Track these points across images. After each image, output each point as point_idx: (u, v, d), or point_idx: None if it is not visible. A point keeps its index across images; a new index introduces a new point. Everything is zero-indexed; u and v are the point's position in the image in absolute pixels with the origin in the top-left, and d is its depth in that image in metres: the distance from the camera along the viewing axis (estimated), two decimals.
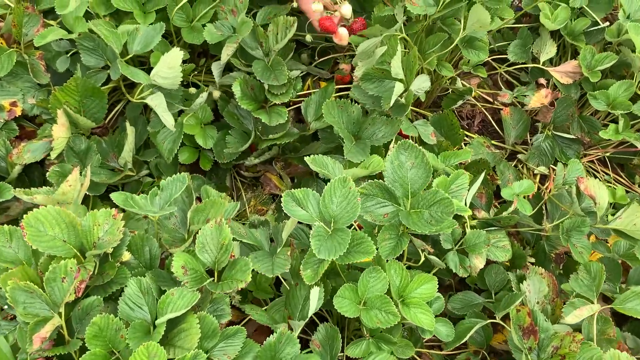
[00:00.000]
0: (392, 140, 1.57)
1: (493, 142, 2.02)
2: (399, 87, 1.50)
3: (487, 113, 2.11)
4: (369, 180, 1.30)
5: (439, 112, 1.84)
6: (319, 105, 1.71)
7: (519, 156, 2.02)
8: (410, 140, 1.32)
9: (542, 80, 1.99)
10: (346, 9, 1.58)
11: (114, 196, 1.25)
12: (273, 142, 1.68)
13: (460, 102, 1.99)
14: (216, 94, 1.79)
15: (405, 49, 1.72)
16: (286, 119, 1.64)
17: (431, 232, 1.22)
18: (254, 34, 1.70)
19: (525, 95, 1.93)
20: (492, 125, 2.11)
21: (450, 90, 2.06)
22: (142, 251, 1.29)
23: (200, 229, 1.20)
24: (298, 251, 1.37)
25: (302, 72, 1.79)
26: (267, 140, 1.68)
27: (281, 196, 1.22)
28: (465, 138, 1.97)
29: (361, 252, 1.19)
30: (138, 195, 1.29)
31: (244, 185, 1.92)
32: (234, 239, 1.22)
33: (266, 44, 1.71)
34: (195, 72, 1.85)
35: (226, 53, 1.62)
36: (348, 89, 1.87)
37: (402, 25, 1.56)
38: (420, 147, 1.30)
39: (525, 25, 2.08)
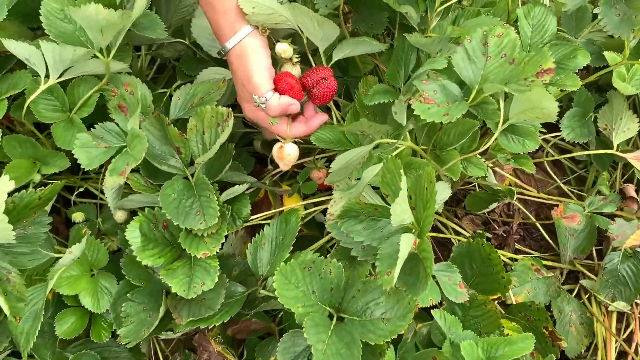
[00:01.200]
0: (402, 325, 0.91)
1: (544, 260, 1.36)
2: (406, 242, 0.83)
3: (527, 212, 1.45)
4: None
5: (467, 239, 1.17)
6: (275, 249, 1.04)
7: (583, 282, 1.35)
8: None
9: (631, 190, 1.32)
10: (290, 149, 1.03)
11: None
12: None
13: (494, 206, 1.34)
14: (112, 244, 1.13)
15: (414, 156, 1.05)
16: (216, 279, 0.97)
17: None
18: (164, 136, 1.03)
19: (603, 214, 1.26)
20: (537, 228, 1.45)
21: (476, 186, 1.40)
22: None
23: None
24: None
25: (250, 188, 1.12)
26: None
27: None
28: (505, 258, 1.31)
29: None
30: None
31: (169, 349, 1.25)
32: None
33: (186, 151, 1.04)
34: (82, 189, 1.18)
35: (115, 181, 0.95)
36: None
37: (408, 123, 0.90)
38: None
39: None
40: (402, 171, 0.81)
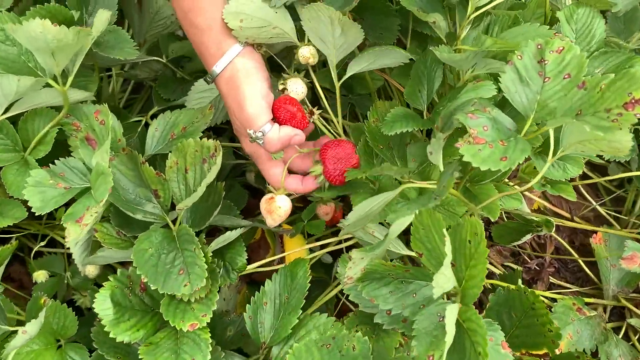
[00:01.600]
0: None
1: (585, 297, 1.18)
2: (452, 316, 0.65)
3: (561, 239, 1.27)
4: None
5: (505, 288, 0.98)
6: (280, 310, 0.85)
7: (631, 321, 1.17)
8: None
9: None
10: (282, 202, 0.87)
11: None
12: None
13: (527, 237, 1.15)
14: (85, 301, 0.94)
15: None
16: (209, 355, 0.79)
17: None
18: (138, 176, 0.85)
19: None
20: (571, 254, 1.27)
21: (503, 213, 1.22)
22: None
23: None
24: None
25: (244, 228, 0.93)
26: None
27: None
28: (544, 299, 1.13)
29: None
30: None
31: None
32: None
33: (165, 194, 0.85)
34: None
35: (76, 232, 0.76)
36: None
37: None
38: None
39: None
40: (444, 231, 0.62)
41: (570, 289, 1.24)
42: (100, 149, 0.73)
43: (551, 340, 0.95)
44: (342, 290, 1.15)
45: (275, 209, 0.84)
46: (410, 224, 0.70)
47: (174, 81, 1.08)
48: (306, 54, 0.85)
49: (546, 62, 0.66)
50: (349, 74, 0.86)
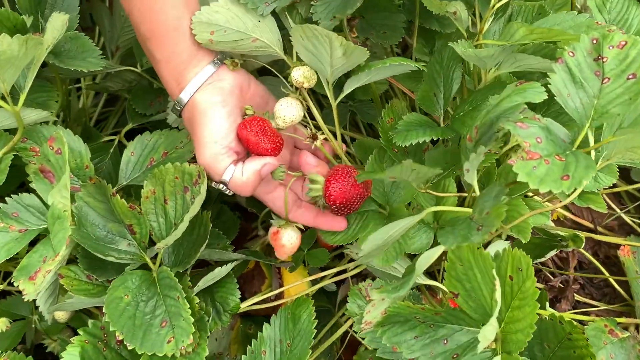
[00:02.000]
0: None
1: (618, 319, 1.06)
2: None
3: (586, 253, 1.16)
4: None
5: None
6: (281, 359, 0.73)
7: None
8: None
9: None
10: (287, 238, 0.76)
11: None
12: None
13: (552, 254, 1.04)
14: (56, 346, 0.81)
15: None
16: None
17: None
18: (109, 210, 0.72)
19: None
20: (598, 270, 1.15)
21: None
22: None
23: None
24: None
25: (235, 261, 0.80)
26: None
27: None
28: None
29: None
30: None
31: None
32: None
33: (142, 230, 0.72)
34: None
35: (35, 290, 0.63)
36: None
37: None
38: None
39: None
40: (494, 271, 0.50)
41: (597, 307, 1.13)
42: (57, 185, 0.60)
43: None
44: (346, 319, 1.03)
45: (279, 246, 0.72)
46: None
47: (151, 93, 0.95)
48: (299, 78, 0.71)
49: (605, 59, 0.54)
50: (346, 91, 0.74)
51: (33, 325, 0.92)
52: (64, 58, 0.73)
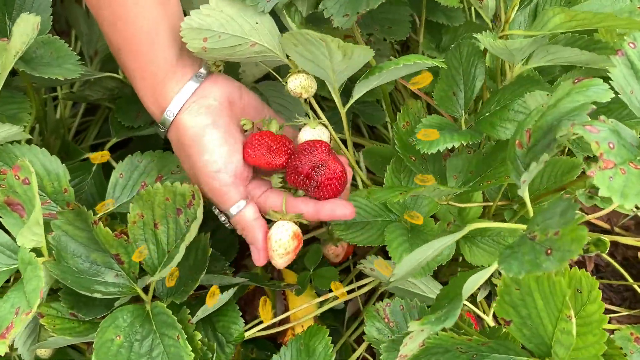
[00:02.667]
0: None
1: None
2: None
3: (604, 254, 1.09)
4: None
5: None
6: None
7: None
8: None
9: None
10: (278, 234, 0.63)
11: None
12: None
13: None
14: None
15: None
16: None
17: None
18: (93, 239, 0.63)
19: None
20: (617, 274, 1.09)
21: None
22: None
23: None
24: None
25: (236, 286, 0.72)
26: None
27: None
28: None
29: None
30: None
31: None
32: None
33: (130, 260, 0.64)
34: None
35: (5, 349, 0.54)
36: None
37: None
38: None
39: None
40: (568, 299, 0.43)
41: (618, 312, 1.06)
42: (28, 223, 0.51)
43: None
44: (355, 339, 0.96)
45: (272, 246, 0.63)
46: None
47: (137, 102, 0.86)
48: (296, 89, 0.64)
49: None
50: (355, 96, 0.66)
51: None
52: (37, 65, 0.64)
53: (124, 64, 0.62)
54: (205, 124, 0.61)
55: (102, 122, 1.09)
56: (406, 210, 0.70)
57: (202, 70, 0.63)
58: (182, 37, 0.58)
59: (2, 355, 0.52)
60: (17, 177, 0.56)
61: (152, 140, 0.90)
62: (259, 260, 0.64)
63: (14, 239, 0.59)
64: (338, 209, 0.62)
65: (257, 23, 0.60)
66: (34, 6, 0.67)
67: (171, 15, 0.60)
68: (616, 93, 0.46)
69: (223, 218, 0.65)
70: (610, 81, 0.46)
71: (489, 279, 0.82)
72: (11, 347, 0.82)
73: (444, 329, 0.51)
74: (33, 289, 0.51)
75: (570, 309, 0.46)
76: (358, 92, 0.66)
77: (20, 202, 0.57)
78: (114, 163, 0.80)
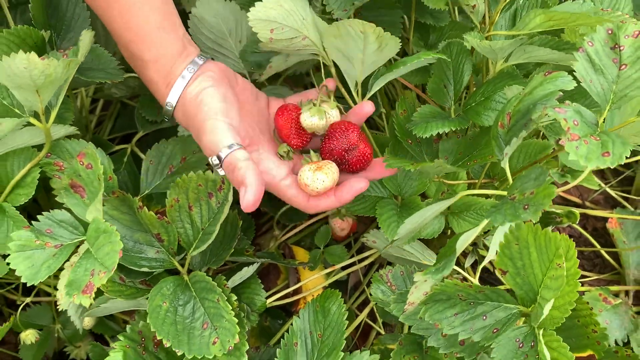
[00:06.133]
0: None
1: (610, 286, 1.13)
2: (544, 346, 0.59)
3: (577, 226, 1.22)
4: None
5: None
6: (313, 350, 0.76)
7: None
8: None
9: None
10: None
11: None
12: None
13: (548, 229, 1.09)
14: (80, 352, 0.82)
15: None
16: None
17: None
18: (135, 221, 0.74)
19: None
20: (588, 243, 1.22)
21: None
22: None
23: None
24: None
25: (258, 263, 0.83)
26: None
27: None
28: None
29: None
30: None
31: None
32: None
33: (170, 237, 0.74)
34: None
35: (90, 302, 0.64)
36: None
37: None
38: None
39: None
40: (561, 250, 0.55)
41: (589, 277, 1.19)
42: (94, 202, 0.61)
43: (596, 342, 0.89)
44: (357, 306, 1.07)
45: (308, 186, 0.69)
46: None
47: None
48: (311, 125, 0.72)
49: (622, 47, 0.59)
50: (374, 90, 0.75)
51: (56, 334, 0.93)
52: (84, 70, 0.74)
53: (136, 53, 0.70)
54: (207, 86, 0.69)
55: (114, 118, 1.18)
56: None
57: (202, 53, 0.73)
58: (251, 27, 0.66)
59: (87, 307, 0.61)
60: (81, 162, 0.66)
61: (168, 133, 1.00)
62: (248, 202, 0.62)
63: (75, 216, 0.68)
64: (356, 184, 0.70)
65: (303, 19, 0.70)
66: (78, 21, 0.76)
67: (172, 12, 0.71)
68: (578, 82, 0.58)
69: (215, 161, 0.66)
70: (574, 73, 0.58)
71: (475, 249, 0.94)
72: (54, 319, 0.92)
73: (443, 280, 0.63)
74: (107, 252, 0.61)
75: (562, 258, 0.57)
76: (377, 85, 0.75)
77: (82, 185, 0.67)
78: (140, 154, 0.91)
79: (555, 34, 0.75)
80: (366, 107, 0.73)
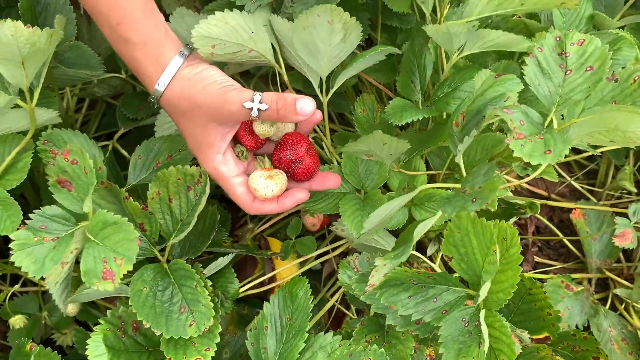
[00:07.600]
0: None
1: (573, 275, 1.19)
2: (485, 324, 0.65)
3: (542, 218, 1.28)
4: None
5: None
6: (282, 333, 0.81)
7: (617, 291, 1.19)
8: None
9: None
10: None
11: None
12: None
13: (512, 221, 1.15)
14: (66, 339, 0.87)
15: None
16: None
17: None
18: (120, 210, 0.79)
19: None
20: (554, 234, 1.28)
21: None
22: None
23: None
24: None
25: (233, 254, 0.88)
26: None
27: None
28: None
29: None
30: None
31: None
32: None
33: (152, 227, 0.80)
34: None
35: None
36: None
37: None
38: None
39: None
40: (495, 237, 0.60)
41: (554, 266, 1.25)
42: (88, 197, 0.66)
43: (551, 324, 0.95)
44: (331, 294, 1.12)
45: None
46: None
47: (138, 97, 1.01)
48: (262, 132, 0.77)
49: (567, 54, 0.64)
50: (339, 83, 0.81)
51: (43, 321, 0.98)
52: (68, 64, 0.79)
53: (121, 36, 0.70)
54: (205, 65, 0.72)
55: (100, 117, 1.23)
56: None
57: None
58: (193, 43, 0.71)
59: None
60: (66, 159, 0.71)
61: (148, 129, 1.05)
62: (311, 104, 0.69)
63: (64, 209, 0.73)
64: (328, 181, 0.79)
65: (252, 33, 0.75)
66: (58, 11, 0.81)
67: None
68: (526, 85, 0.64)
69: (257, 99, 0.68)
70: (523, 76, 0.64)
71: (438, 237, 0.99)
72: (41, 307, 0.97)
73: (400, 265, 0.68)
74: (118, 241, 0.66)
75: (496, 245, 0.63)
76: (342, 79, 0.81)
77: (68, 180, 0.72)
78: (122, 150, 0.95)
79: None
80: (316, 116, 0.76)
